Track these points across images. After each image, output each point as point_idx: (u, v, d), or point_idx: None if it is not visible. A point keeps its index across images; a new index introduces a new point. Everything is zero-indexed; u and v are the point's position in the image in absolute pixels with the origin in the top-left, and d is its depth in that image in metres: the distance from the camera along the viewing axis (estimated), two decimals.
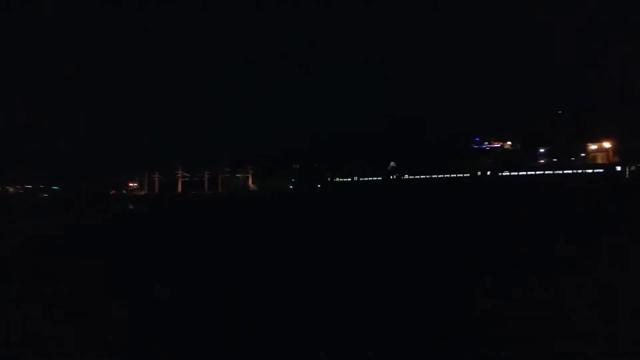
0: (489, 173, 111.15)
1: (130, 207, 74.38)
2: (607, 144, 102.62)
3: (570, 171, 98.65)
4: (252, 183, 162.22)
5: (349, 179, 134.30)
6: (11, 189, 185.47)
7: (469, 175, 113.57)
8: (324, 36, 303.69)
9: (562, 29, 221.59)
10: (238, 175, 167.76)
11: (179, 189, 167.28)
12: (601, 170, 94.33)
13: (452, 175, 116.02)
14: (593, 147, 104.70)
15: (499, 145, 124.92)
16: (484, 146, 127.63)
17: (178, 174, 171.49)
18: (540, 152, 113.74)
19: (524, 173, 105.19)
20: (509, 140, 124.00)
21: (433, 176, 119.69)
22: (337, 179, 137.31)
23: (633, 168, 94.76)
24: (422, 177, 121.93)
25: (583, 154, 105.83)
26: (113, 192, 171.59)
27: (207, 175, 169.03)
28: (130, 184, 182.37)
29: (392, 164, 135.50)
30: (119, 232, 29.89)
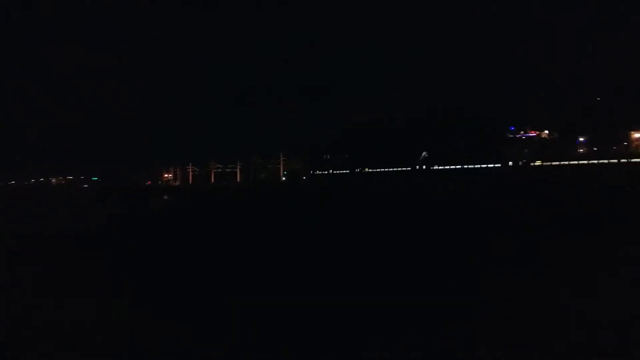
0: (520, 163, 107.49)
1: (165, 197, 76.76)
2: None
3: (615, 160, 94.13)
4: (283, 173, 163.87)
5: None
6: (54, 180, 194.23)
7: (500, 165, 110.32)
8: (324, 36, 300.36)
9: (562, 28, 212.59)
10: (269, 166, 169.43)
11: (212, 179, 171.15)
12: None
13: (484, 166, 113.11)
14: (637, 135, 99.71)
15: (535, 134, 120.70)
16: (520, 135, 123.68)
17: (211, 165, 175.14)
18: (580, 141, 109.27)
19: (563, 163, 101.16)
20: (545, 129, 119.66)
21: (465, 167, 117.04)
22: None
23: None
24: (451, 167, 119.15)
25: (625, 143, 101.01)
26: (149, 182, 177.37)
27: (239, 166, 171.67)
28: (166, 175, 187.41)
29: (424, 154, 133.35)
30: (150, 223, 30.69)
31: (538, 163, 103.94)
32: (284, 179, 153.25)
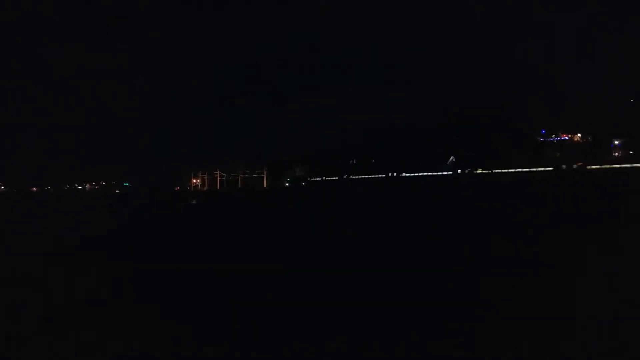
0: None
1: (193, 201, 78.42)
2: None
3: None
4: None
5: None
6: (88, 186, 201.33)
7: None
8: (324, 36, 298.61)
9: (562, 28, 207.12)
10: (295, 171, 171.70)
11: (239, 184, 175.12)
12: None
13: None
14: None
15: (567, 137, 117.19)
16: (552, 139, 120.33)
17: (239, 171, 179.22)
18: (615, 145, 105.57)
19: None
20: (578, 132, 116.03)
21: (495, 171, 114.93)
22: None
23: None
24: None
25: None
26: (177, 188, 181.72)
27: (265, 172, 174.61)
28: (194, 181, 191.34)
29: (451, 158, 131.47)
30: (170, 225, 31.25)
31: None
32: (287, 184, 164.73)
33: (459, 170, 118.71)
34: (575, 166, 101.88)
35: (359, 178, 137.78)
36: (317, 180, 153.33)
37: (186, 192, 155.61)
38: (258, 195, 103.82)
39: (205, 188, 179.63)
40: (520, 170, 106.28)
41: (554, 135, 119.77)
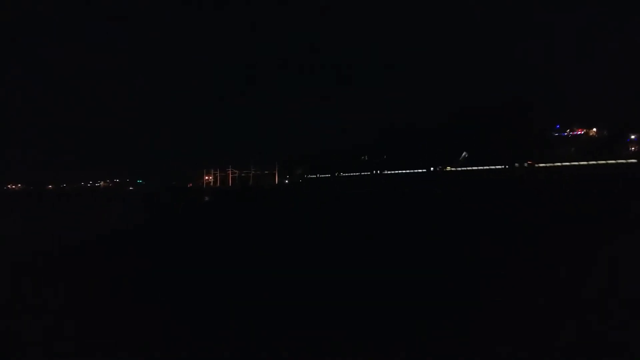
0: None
1: (206, 198, 79.37)
2: None
3: None
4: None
5: None
6: (102, 183, 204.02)
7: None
8: (324, 36, 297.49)
9: (562, 29, 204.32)
10: (300, 169, 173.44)
11: (250, 181, 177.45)
12: None
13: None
14: None
15: (582, 132, 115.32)
16: (565, 134, 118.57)
17: (252, 168, 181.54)
18: (631, 139, 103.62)
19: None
20: (593, 127, 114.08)
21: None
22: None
23: None
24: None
25: None
26: (190, 185, 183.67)
27: (277, 168, 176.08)
28: (206, 177, 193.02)
29: (464, 154, 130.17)
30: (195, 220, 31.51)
31: None
32: (286, 182, 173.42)
33: (432, 168, 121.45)
34: (526, 164, 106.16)
35: (347, 175, 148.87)
36: (312, 177, 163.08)
37: (199, 189, 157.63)
38: (264, 192, 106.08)
39: (218, 185, 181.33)
40: (481, 168, 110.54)
41: (568, 130, 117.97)
